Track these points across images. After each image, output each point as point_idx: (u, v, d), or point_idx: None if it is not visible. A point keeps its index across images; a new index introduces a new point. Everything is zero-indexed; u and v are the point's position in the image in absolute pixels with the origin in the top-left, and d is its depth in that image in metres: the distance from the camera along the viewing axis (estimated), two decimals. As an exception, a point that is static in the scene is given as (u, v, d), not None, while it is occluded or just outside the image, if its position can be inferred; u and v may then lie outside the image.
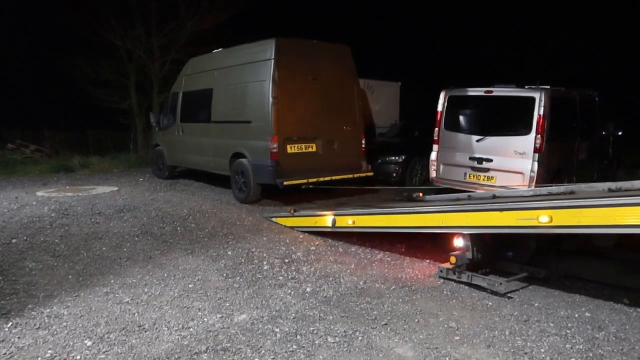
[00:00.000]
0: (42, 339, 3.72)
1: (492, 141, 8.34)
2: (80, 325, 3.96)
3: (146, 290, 4.76)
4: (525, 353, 3.55)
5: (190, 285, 4.90)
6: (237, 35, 12.23)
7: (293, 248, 6.23)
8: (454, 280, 5.08)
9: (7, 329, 3.88)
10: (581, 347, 3.67)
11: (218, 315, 4.18)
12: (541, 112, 7.65)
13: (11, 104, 19.97)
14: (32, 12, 21.22)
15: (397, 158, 10.99)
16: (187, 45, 17.60)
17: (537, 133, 7.68)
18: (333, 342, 3.69)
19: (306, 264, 5.64)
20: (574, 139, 8.57)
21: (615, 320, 4.22)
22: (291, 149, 8.62)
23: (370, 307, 4.40)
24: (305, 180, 8.59)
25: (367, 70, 12.30)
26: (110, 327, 3.93)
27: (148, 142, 18.43)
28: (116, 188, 10.53)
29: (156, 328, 3.93)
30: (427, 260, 5.89)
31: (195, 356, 3.48)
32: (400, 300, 4.58)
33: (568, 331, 3.94)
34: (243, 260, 5.71)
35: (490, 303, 4.55)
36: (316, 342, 3.70)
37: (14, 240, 6.24)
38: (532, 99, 7.77)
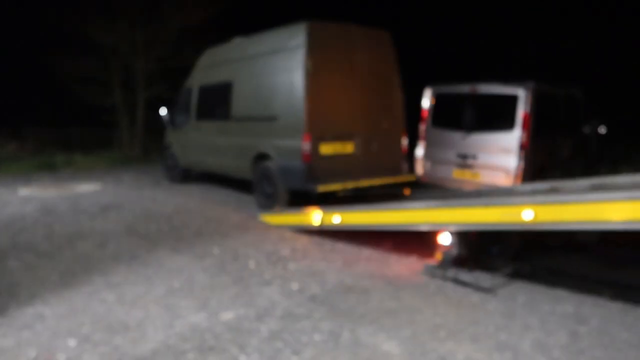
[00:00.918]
0: (26, 340, 3.67)
1: (477, 138, 8.41)
2: (64, 325, 3.91)
3: (131, 289, 4.72)
4: (510, 348, 3.59)
5: (175, 284, 4.86)
6: (223, 32, 12.11)
7: (279, 246, 6.22)
8: (440, 277, 5.11)
9: (-12, 330, 3.82)
10: (564, 341, 3.72)
11: (204, 314, 4.16)
12: (526, 109, 7.73)
13: (-8, 100, 19.65)
14: (13, 7, 20.84)
15: None
16: (172, 41, 17.49)
17: (521, 130, 7.76)
18: (319, 340, 3.69)
19: (293, 261, 5.63)
20: (558, 135, 8.67)
21: (597, 314, 4.28)
22: (325, 149, 7.48)
23: (356, 304, 4.41)
24: (342, 186, 7.45)
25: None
26: (95, 327, 3.89)
27: (133, 139, 18.29)
28: (100, 186, 10.42)
29: (141, 327, 3.89)
30: (413, 257, 5.92)
31: (180, 355, 3.46)
32: (387, 297, 4.60)
33: (551, 326, 3.99)
34: (229, 259, 5.69)
35: (475, 299, 4.59)
36: (303, 339, 3.70)
37: (-5, 240, 6.15)
38: (517, 96, 7.84)
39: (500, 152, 8.02)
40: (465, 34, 23.78)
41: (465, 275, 4.91)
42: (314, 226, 6.52)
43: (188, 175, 11.27)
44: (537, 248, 5.32)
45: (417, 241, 6.41)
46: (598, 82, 18.19)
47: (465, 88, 8.74)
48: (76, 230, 6.68)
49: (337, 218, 6.17)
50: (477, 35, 23.56)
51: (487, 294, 4.71)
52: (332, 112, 7.53)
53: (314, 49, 7.24)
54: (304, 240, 6.50)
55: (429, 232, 5.58)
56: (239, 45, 9.18)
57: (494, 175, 8.11)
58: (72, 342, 3.63)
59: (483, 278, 4.76)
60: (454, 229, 5.01)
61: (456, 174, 8.71)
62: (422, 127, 9.20)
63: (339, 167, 7.61)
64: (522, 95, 7.77)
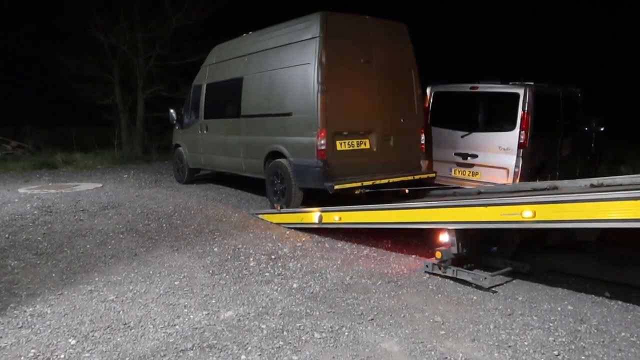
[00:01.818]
0: (25, 338, 3.67)
1: (477, 137, 8.41)
2: (64, 324, 3.91)
3: (131, 287, 4.72)
4: (509, 346, 3.60)
5: (176, 283, 4.86)
6: (223, 31, 12.11)
7: (279, 244, 6.22)
8: (440, 275, 5.12)
9: (-12, 329, 3.82)
10: (564, 339, 3.73)
11: (204, 312, 4.16)
12: (525, 108, 7.73)
13: (-8, 99, 19.64)
14: (13, 6, 20.83)
15: None
16: (172, 40, 17.48)
17: (521, 129, 7.76)
18: (319, 338, 3.70)
19: (293, 260, 5.64)
20: (558, 134, 8.67)
21: (597, 313, 4.29)
22: (341, 145, 7.18)
23: (356, 302, 4.42)
24: (359, 184, 7.08)
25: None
26: (95, 326, 3.89)
27: (133, 138, 18.28)
28: (100, 185, 10.41)
29: (141, 326, 3.90)
30: (413, 256, 5.93)
31: (181, 353, 3.46)
32: (387, 295, 4.60)
33: (551, 324, 4.00)
34: (229, 257, 5.69)
35: (475, 297, 4.59)
36: (303, 338, 3.70)
37: (-5, 238, 6.14)
38: (517, 95, 7.85)
39: (500, 152, 8.02)
40: (466, 33, 23.78)
41: (465, 274, 4.91)
42: (314, 225, 6.52)
43: (195, 176, 11.11)
44: (537, 247, 5.32)
45: (417, 240, 6.43)
46: (597, 82, 18.20)
47: (465, 87, 8.74)
48: (76, 228, 6.67)
49: (336, 217, 6.17)
50: (477, 35, 23.56)
51: (487, 293, 4.72)
52: (348, 107, 7.23)
53: (329, 41, 6.94)
54: (304, 239, 6.50)
55: (428, 231, 5.59)
56: (249, 40, 8.90)
57: (494, 174, 8.11)
58: (72, 341, 3.63)
59: (483, 277, 4.76)
60: (453, 227, 5.01)
61: (456, 172, 8.71)
62: None
63: (355, 164, 7.33)
64: (521, 95, 7.78)
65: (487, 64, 22.06)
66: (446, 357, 3.43)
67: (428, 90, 9.17)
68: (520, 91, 7.82)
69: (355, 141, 7.36)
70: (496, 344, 3.64)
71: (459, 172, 8.68)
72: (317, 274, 5.16)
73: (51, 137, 18.25)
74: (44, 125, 18.56)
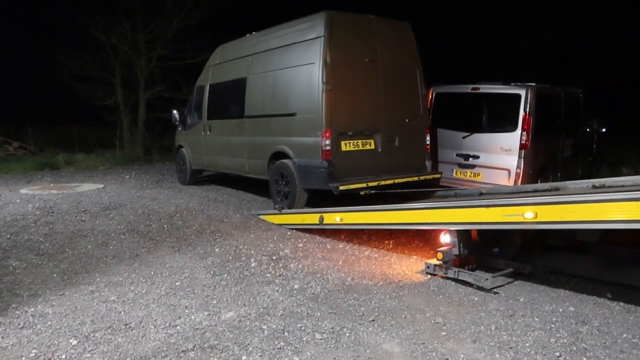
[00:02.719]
0: (27, 339, 3.67)
1: (478, 138, 8.41)
2: (66, 324, 3.92)
3: (132, 288, 4.72)
4: (511, 347, 3.59)
5: (177, 283, 4.87)
6: (225, 32, 12.12)
7: (281, 245, 6.22)
8: (441, 276, 5.12)
9: (-10, 329, 3.83)
10: (565, 341, 3.72)
11: (205, 313, 4.16)
12: (527, 109, 7.73)
13: (-7, 100, 19.69)
14: (14, 7, 20.87)
15: None
16: (173, 41, 17.51)
17: (522, 130, 7.76)
18: (321, 339, 3.69)
19: (294, 261, 5.64)
20: (559, 135, 8.67)
21: (598, 314, 4.28)
22: (346, 146, 7.13)
23: (357, 303, 4.42)
24: (364, 184, 7.05)
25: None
26: (96, 326, 3.89)
27: (134, 139, 18.30)
28: (102, 185, 10.43)
29: (143, 326, 3.90)
30: (414, 257, 5.93)
31: (182, 354, 3.46)
32: (388, 296, 4.60)
33: (552, 325, 3.99)
34: (230, 258, 5.69)
35: (476, 298, 4.59)
36: (304, 338, 3.70)
37: (-3, 239, 6.15)
38: (518, 96, 7.84)
39: (502, 153, 8.02)
40: (467, 34, 23.78)
41: (466, 275, 4.90)
42: (315, 225, 6.52)
43: (198, 177, 11.03)
44: (538, 248, 5.31)
45: (418, 241, 6.43)
46: (599, 82, 18.17)
47: (466, 88, 8.74)
48: (77, 229, 6.68)
49: (338, 217, 6.17)
50: (479, 36, 23.56)
51: (488, 294, 4.72)
52: (352, 107, 7.19)
53: (333, 41, 6.91)
54: (305, 240, 6.50)
55: (429, 232, 5.59)
56: (252, 40, 8.83)
57: (496, 175, 8.11)
58: (73, 341, 3.63)
59: (484, 278, 4.75)
60: (455, 228, 5.01)
61: (457, 173, 8.70)
62: None
63: (360, 165, 7.28)
64: (523, 96, 7.77)
65: (489, 64, 22.04)
66: (447, 358, 3.42)
67: (429, 91, 9.17)
68: (522, 92, 7.82)
69: (360, 141, 7.32)
70: (497, 345, 3.64)
71: (460, 173, 8.68)
72: (319, 275, 5.16)
73: (53, 138, 18.28)
74: (46, 126, 18.59)
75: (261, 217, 7.57)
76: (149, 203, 8.36)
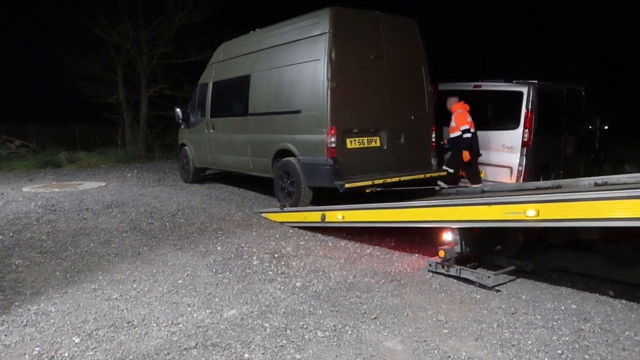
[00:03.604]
0: (30, 336, 3.68)
1: (480, 135, 8.39)
2: (68, 322, 3.93)
3: (135, 286, 4.73)
4: (513, 345, 3.59)
5: (179, 281, 4.88)
6: (227, 29, 12.10)
7: (283, 243, 6.23)
8: (443, 274, 5.11)
9: (-7, 327, 3.84)
10: (567, 338, 3.72)
11: (207, 311, 4.17)
12: (529, 107, 7.72)
13: (-4, 98, 19.73)
14: (17, 5, 20.89)
15: None
16: (175, 39, 17.51)
17: (524, 127, 7.75)
18: (323, 337, 3.70)
19: (296, 258, 5.64)
20: (561, 133, 8.65)
21: (600, 312, 4.28)
22: (351, 143, 7.06)
23: (359, 301, 4.42)
24: (370, 182, 6.95)
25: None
26: (99, 324, 3.90)
27: (136, 137, 18.32)
28: (104, 183, 10.45)
29: (145, 324, 3.91)
30: (416, 254, 5.92)
31: (184, 352, 3.47)
32: (390, 294, 4.60)
33: (555, 323, 3.99)
34: (232, 256, 5.70)
35: (478, 296, 4.59)
36: (306, 336, 3.71)
37: (-1, 237, 6.17)
38: (520, 94, 7.83)
39: (504, 150, 8.01)
40: (469, 31, 23.71)
41: (468, 273, 4.90)
42: (317, 223, 6.52)
43: (201, 176, 11.02)
44: (540, 246, 5.30)
45: (420, 239, 6.42)
46: (601, 80, 18.12)
47: (468, 86, 8.73)
48: (80, 227, 6.69)
49: (340, 215, 6.17)
50: (481, 33, 23.50)
51: (491, 292, 4.71)
52: (358, 104, 7.11)
53: (339, 37, 6.84)
54: (306, 238, 6.50)
55: (431, 229, 5.58)
56: (256, 37, 8.73)
57: (498, 173, 8.10)
58: (76, 339, 3.64)
59: (486, 275, 4.75)
60: (457, 226, 5.01)
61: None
62: None
63: (365, 162, 7.22)
64: (525, 93, 7.76)
65: (491, 62, 22.01)
66: (449, 356, 3.43)
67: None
68: (524, 89, 7.81)
69: (365, 139, 7.24)
70: (499, 342, 3.64)
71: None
72: (321, 273, 5.16)
73: (55, 136, 18.31)
74: (48, 124, 18.63)
75: (263, 215, 7.58)
76: (151, 201, 8.37)
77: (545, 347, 3.56)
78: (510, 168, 7.91)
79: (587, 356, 3.47)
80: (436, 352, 3.49)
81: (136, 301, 4.37)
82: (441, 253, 5.03)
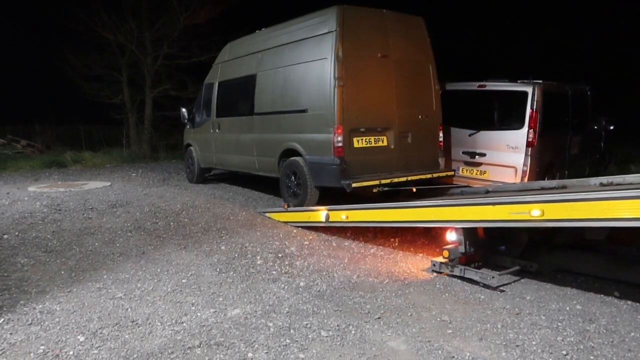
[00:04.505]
0: (35, 335, 3.70)
1: (485, 135, 8.37)
2: (73, 321, 3.94)
3: (139, 285, 4.75)
4: (517, 346, 3.58)
5: (183, 280, 4.89)
6: (231, 30, 12.12)
7: (287, 243, 6.23)
8: (447, 274, 5.10)
9: (-1, 325, 3.86)
10: (572, 339, 3.70)
11: (211, 310, 4.17)
12: (534, 107, 7.69)
13: (1, 98, 19.82)
14: (22, 6, 20.99)
15: None
16: (180, 39, 17.55)
17: (529, 127, 7.72)
18: (326, 336, 3.70)
19: (300, 258, 5.64)
20: (566, 133, 8.62)
21: (606, 312, 4.26)
22: (358, 142, 7.00)
23: (363, 301, 4.42)
24: (377, 182, 6.88)
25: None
26: (103, 323, 3.91)
27: (141, 137, 18.38)
28: (109, 183, 10.48)
29: (149, 323, 3.92)
30: (420, 254, 5.91)
31: (188, 351, 3.48)
32: (393, 294, 4.60)
33: (559, 324, 3.98)
34: (236, 255, 5.71)
35: (482, 296, 4.57)
36: (309, 336, 3.71)
37: (5, 236, 6.19)
38: (525, 94, 7.80)
39: (508, 150, 7.98)
40: (473, 31, 23.64)
41: (472, 273, 4.89)
42: (321, 223, 6.52)
43: (206, 176, 10.98)
44: (545, 246, 5.29)
45: (424, 238, 6.41)
46: (607, 80, 18.04)
47: (472, 86, 8.70)
48: (85, 227, 6.72)
49: (343, 215, 6.17)
50: (485, 33, 23.43)
51: (495, 292, 4.70)
52: (365, 103, 7.01)
53: (345, 35, 6.78)
54: (310, 237, 6.51)
55: (435, 229, 5.58)
56: (262, 37, 8.70)
57: (502, 173, 8.07)
58: (80, 338, 3.66)
59: (490, 276, 4.74)
60: (461, 226, 5.00)
61: (464, 171, 8.67)
62: None
63: (372, 162, 7.15)
64: (530, 93, 7.73)
65: (495, 62, 21.94)
66: (453, 356, 3.42)
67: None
68: (529, 89, 7.77)
69: (372, 138, 7.16)
70: (504, 343, 3.63)
71: (466, 171, 8.64)
72: (324, 273, 5.16)
73: (60, 136, 18.42)
74: (53, 124, 18.72)
75: (267, 214, 7.59)
76: (156, 201, 8.39)
77: (549, 348, 3.55)
78: (515, 168, 7.88)
79: (592, 357, 3.45)
80: (440, 352, 3.48)
81: (140, 300, 4.39)
82: (445, 253, 5.02)
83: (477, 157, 8.46)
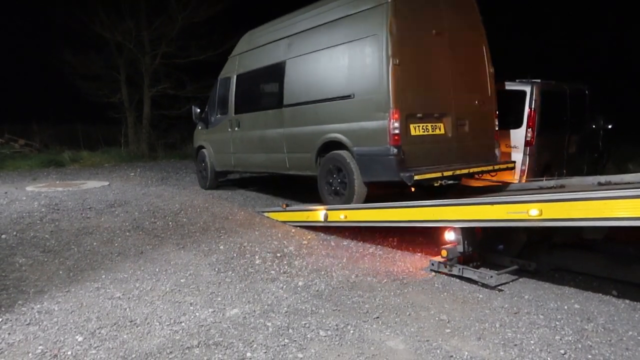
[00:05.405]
0: (33, 335, 3.70)
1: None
2: (71, 321, 3.94)
3: (138, 285, 4.75)
4: (515, 345, 3.59)
5: (182, 280, 4.89)
6: (230, 29, 12.12)
7: (285, 242, 6.23)
8: (445, 274, 5.11)
9: (-3, 325, 3.86)
10: (570, 338, 3.71)
11: (210, 310, 4.17)
12: (532, 106, 7.70)
13: (-1, 97, 19.81)
14: (20, 5, 20.94)
15: None
16: (178, 39, 17.55)
17: (527, 126, 7.73)
18: (325, 336, 3.70)
19: (298, 258, 5.64)
20: (564, 132, 8.62)
21: (604, 311, 4.27)
22: (415, 130, 6.17)
23: (362, 300, 4.42)
24: (439, 174, 6.08)
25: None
26: (102, 323, 3.91)
27: (139, 136, 18.37)
28: (107, 183, 10.47)
29: (148, 323, 3.92)
30: (419, 254, 5.92)
31: (187, 351, 3.48)
32: (392, 293, 4.60)
33: (557, 323, 3.98)
34: (235, 255, 5.71)
35: (480, 296, 4.58)
36: (308, 335, 3.71)
37: (3, 236, 6.18)
38: (523, 93, 7.81)
39: (507, 149, 7.98)
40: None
41: (471, 272, 4.89)
42: (319, 223, 6.52)
43: (220, 180, 10.25)
44: (543, 245, 5.29)
45: (423, 238, 6.41)
46: (605, 79, 18.06)
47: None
48: (83, 226, 6.70)
49: (342, 215, 6.17)
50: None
51: (493, 291, 4.71)
52: (421, 86, 6.27)
53: (398, 7, 6.00)
54: (309, 237, 6.51)
55: (434, 229, 5.58)
56: (290, 21, 7.89)
57: (500, 172, 8.06)
58: (79, 338, 3.66)
59: (489, 275, 4.74)
60: (459, 226, 5.00)
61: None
62: None
63: (430, 152, 6.36)
64: (528, 92, 7.74)
65: (494, 61, 21.96)
66: (452, 356, 3.42)
67: None
68: (527, 88, 7.78)
69: (429, 125, 6.36)
70: (502, 342, 3.63)
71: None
72: (323, 272, 5.16)
73: (58, 136, 18.40)
74: (51, 123, 18.71)
75: (265, 214, 7.58)
76: (154, 200, 8.37)
77: (548, 347, 3.56)
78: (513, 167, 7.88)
79: (589, 356, 3.46)
80: (438, 351, 3.49)
81: (139, 300, 4.38)
82: (444, 252, 5.02)
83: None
